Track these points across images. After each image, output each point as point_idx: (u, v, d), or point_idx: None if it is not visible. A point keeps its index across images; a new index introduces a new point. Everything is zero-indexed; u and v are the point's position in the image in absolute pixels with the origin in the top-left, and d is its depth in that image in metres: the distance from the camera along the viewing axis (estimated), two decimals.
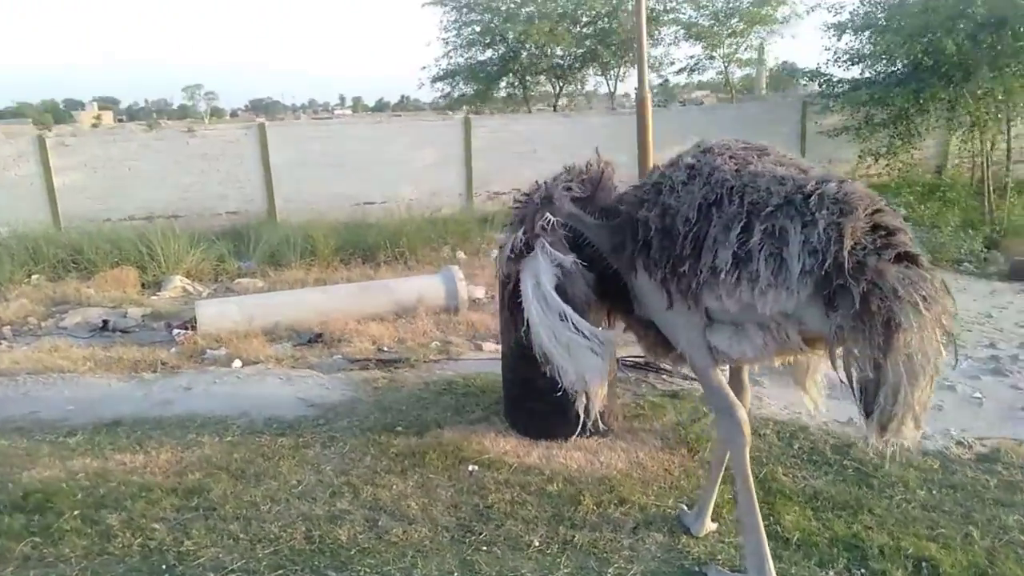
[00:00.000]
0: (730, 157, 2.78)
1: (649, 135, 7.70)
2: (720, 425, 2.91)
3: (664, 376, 5.44)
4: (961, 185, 11.75)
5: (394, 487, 3.95)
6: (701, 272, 2.62)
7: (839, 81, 12.31)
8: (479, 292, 8.89)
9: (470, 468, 4.13)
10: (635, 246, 2.89)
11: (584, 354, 2.99)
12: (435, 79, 18.96)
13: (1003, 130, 10.69)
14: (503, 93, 18.97)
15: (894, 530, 3.39)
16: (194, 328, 7.36)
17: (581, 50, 17.73)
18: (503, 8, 17.58)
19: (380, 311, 7.91)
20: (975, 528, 3.37)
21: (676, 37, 17.58)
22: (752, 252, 2.48)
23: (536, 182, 3.57)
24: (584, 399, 3.10)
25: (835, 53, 12.19)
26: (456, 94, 19.16)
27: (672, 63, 18.34)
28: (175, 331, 7.49)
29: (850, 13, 12.42)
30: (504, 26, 17.36)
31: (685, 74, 18.17)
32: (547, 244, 3.15)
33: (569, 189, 3.33)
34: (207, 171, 12.55)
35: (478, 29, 18.11)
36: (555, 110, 18.43)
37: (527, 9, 17.37)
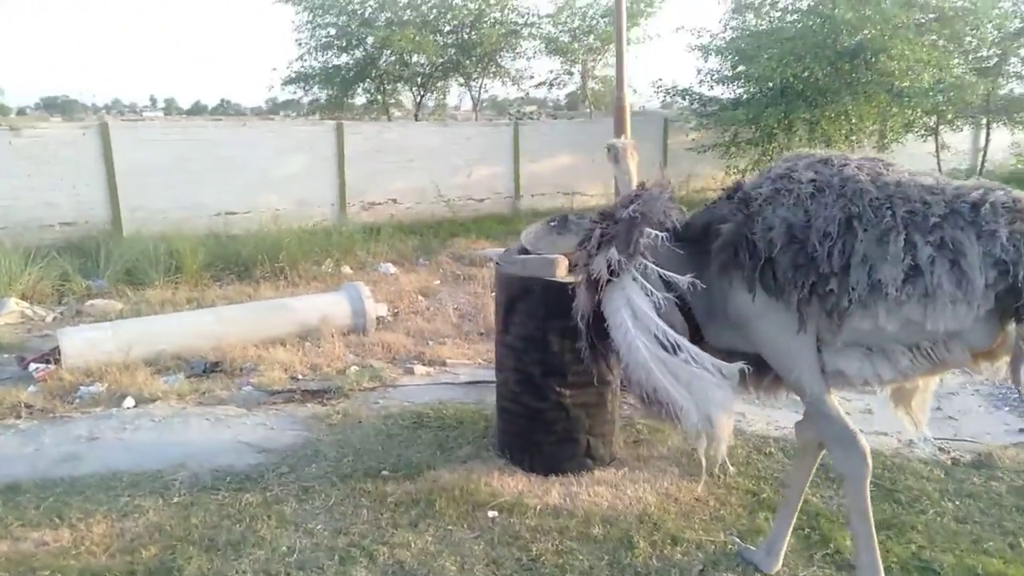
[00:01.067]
0: (856, 167, 2.61)
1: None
2: (839, 456, 2.71)
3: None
4: None
5: (413, 545, 3.40)
6: (854, 290, 2.41)
7: (710, 100, 12.94)
8: (381, 310, 8.30)
9: (490, 515, 3.67)
10: (754, 266, 2.63)
11: (708, 390, 2.67)
12: (287, 82, 17.80)
13: (853, 148, 11.71)
14: (361, 100, 18.19)
15: (948, 547, 3.38)
16: (56, 361, 6.21)
17: (442, 59, 17.40)
18: (360, 12, 16.84)
19: (281, 334, 7.13)
20: (1020, 538, 3.44)
21: (537, 51, 17.77)
22: (923, 267, 2.32)
23: (624, 198, 3.20)
24: (704, 440, 2.77)
25: (707, 74, 12.81)
26: (309, 99, 18.11)
27: (532, 76, 18.52)
28: (32, 366, 6.27)
29: (710, 36, 13.11)
30: (362, 31, 16.65)
31: (546, 88, 18.40)
32: (649, 266, 2.80)
33: (672, 202, 2.99)
34: (35, 175, 10.82)
35: (333, 32, 17.24)
36: (416, 119, 17.94)
37: (386, 14, 16.78)
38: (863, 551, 2.75)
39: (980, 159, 14.73)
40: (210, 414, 5.13)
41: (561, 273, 3.87)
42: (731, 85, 12.57)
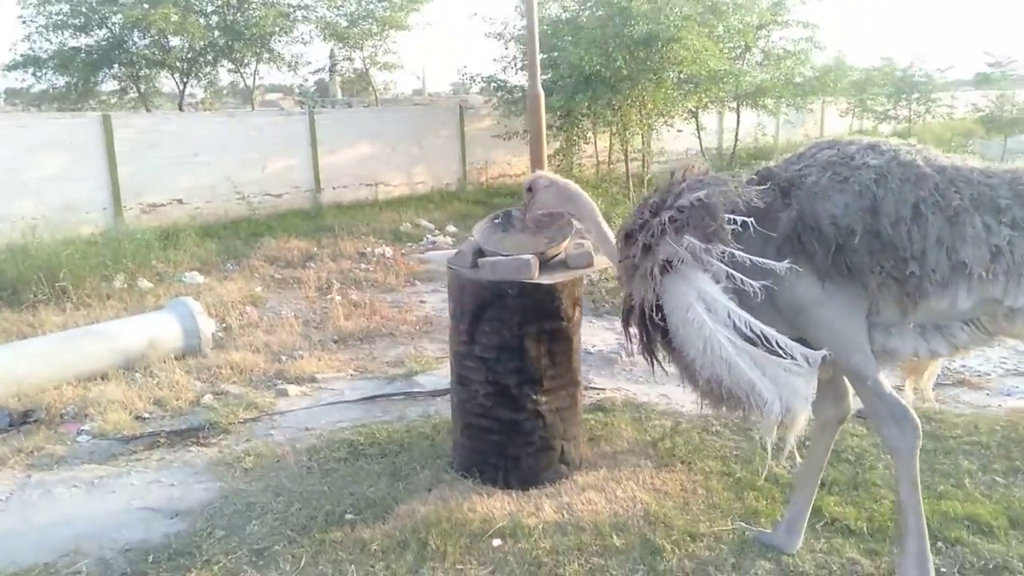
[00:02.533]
0: (909, 152, 2.68)
1: (543, 129, 7.14)
2: (893, 433, 2.79)
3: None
4: (613, 180, 13.52)
5: None
6: (935, 272, 2.49)
7: (516, 87, 13.08)
8: (212, 326, 7.34)
9: (494, 543, 3.34)
10: (826, 253, 2.60)
11: (793, 381, 2.60)
12: (11, 67, 14.99)
13: (643, 132, 12.55)
14: (111, 87, 15.87)
15: (1009, 502, 3.62)
16: None
17: (203, 42, 15.71)
18: None
19: (101, 367, 6.05)
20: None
21: (311, 35, 16.75)
22: (1002, 247, 2.46)
23: (680, 178, 2.95)
24: (774, 431, 2.69)
25: (511, 60, 12.90)
26: (44, 86, 15.42)
27: (309, 63, 17.45)
28: None
29: (502, 23, 13.27)
30: (103, 9, 14.51)
31: (325, 73, 17.40)
32: (737, 254, 2.63)
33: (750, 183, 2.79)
34: None
35: (67, 9, 14.80)
36: (181, 109, 16.07)
37: None
38: (913, 517, 2.86)
39: (734, 138, 16.58)
40: (71, 479, 4.15)
41: (536, 274, 3.61)
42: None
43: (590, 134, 13.27)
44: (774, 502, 3.68)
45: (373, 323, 7.55)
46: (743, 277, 2.60)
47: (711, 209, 2.69)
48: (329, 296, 8.56)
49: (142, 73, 15.84)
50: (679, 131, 14.67)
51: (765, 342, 2.60)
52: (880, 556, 3.23)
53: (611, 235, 3.63)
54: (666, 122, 13.44)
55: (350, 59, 17.39)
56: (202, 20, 15.15)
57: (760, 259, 2.61)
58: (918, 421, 2.79)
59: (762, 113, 16.47)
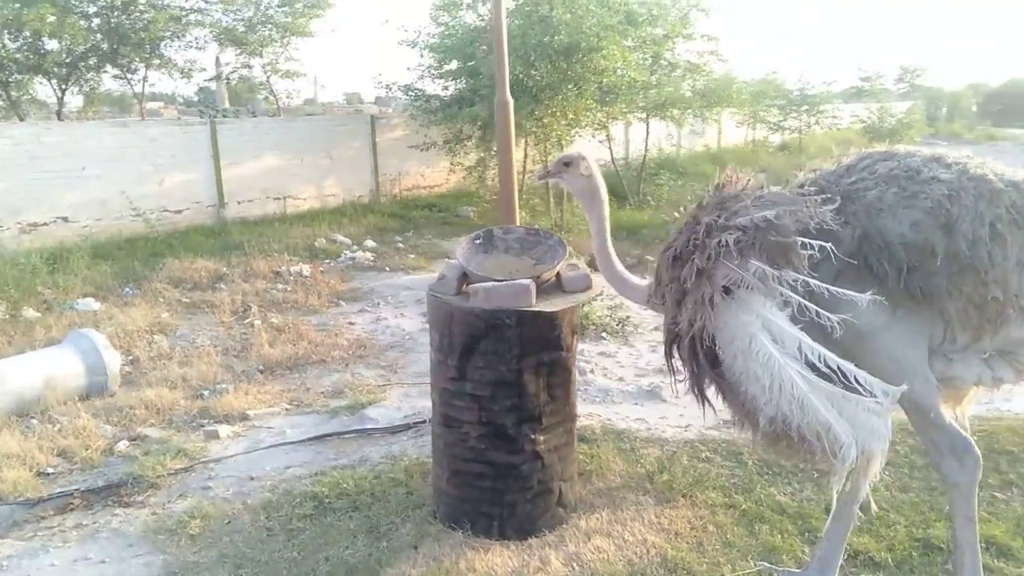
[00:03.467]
0: (977, 166, 2.48)
1: (511, 139, 6.59)
2: (952, 466, 2.59)
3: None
4: (533, 191, 13.33)
5: None
6: (1017, 297, 2.30)
7: (434, 97, 12.62)
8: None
9: None
10: (897, 275, 2.37)
11: (873, 422, 2.33)
12: None
13: (564, 142, 12.36)
14: None
15: (1018, 520, 3.52)
16: None
17: (84, 46, 14.39)
18: None
19: None
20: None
21: (206, 40, 15.69)
22: None
23: (733, 193, 2.63)
24: (845, 477, 2.42)
25: (427, 69, 12.44)
26: None
27: (204, 69, 16.31)
28: None
29: (415, 32, 12.82)
30: None
31: (212, 82, 16.30)
32: (813, 283, 2.34)
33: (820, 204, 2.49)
34: None
35: None
36: (59, 118, 14.63)
37: None
38: (969, 554, 2.69)
39: (644, 149, 16.70)
40: None
41: (534, 301, 3.25)
42: (454, 81, 12.40)
43: (515, 145, 13.01)
44: (788, 535, 3.46)
45: (301, 349, 6.96)
46: (818, 310, 2.31)
47: (782, 231, 2.40)
48: (247, 321, 7.86)
49: (13, 79, 14.33)
50: (600, 141, 14.64)
51: (842, 378, 2.32)
52: None
53: (612, 251, 3.32)
54: (578, 133, 13.36)
55: (248, 66, 16.39)
56: (83, 22, 13.85)
57: (839, 289, 2.33)
58: (979, 453, 2.61)
59: (670, 124, 16.70)
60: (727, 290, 2.43)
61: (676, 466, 4.08)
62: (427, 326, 8.21)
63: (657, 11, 13.44)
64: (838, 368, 2.31)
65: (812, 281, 2.34)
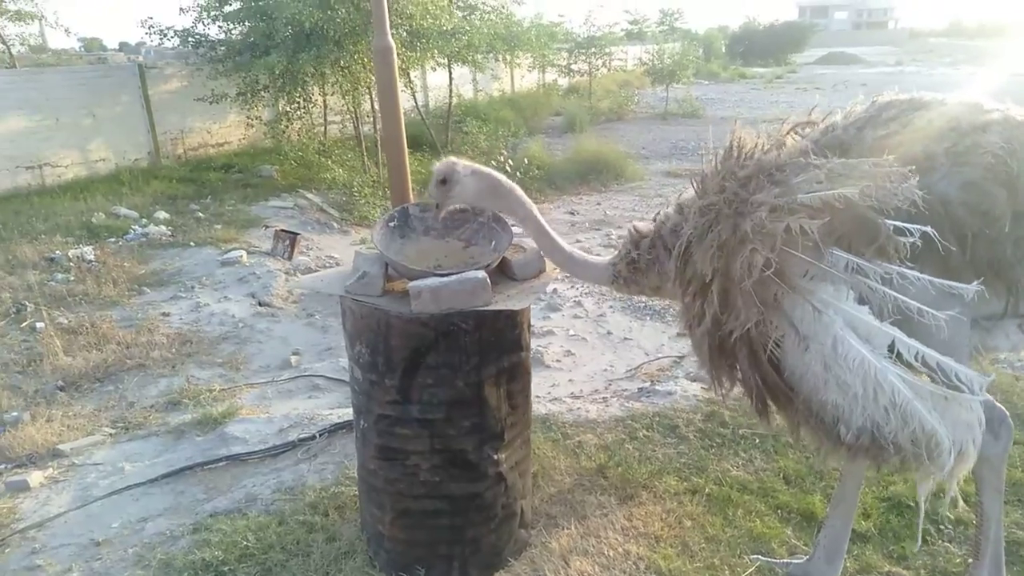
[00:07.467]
0: (1017, 112, 2.20)
1: (396, 91, 5.32)
2: (987, 439, 2.37)
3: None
4: (344, 145, 12.16)
5: None
6: None
7: (219, 42, 10.91)
8: None
9: None
10: (962, 245, 2.05)
11: (971, 421, 2.00)
12: None
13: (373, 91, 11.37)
14: None
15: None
16: None
17: None
18: None
19: None
20: None
21: None
22: None
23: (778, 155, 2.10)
24: (937, 478, 2.09)
25: (204, 10, 10.69)
26: None
27: None
28: None
29: None
30: None
31: None
32: (909, 274, 1.94)
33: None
34: None
35: None
36: None
37: None
38: (995, 526, 2.55)
39: (448, 95, 16.04)
40: None
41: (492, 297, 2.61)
42: (240, 24, 10.77)
43: (316, 97, 11.72)
44: (763, 516, 3.22)
45: (109, 354, 5.74)
46: (920, 307, 1.93)
47: (869, 212, 1.97)
48: (25, 324, 6.34)
49: None
50: (401, 90, 13.72)
51: (943, 375, 1.98)
52: (910, 559, 2.93)
53: (553, 233, 2.80)
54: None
55: None
56: None
57: (947, 282, 1.96)
58: (1012, 424, 2.44)
59: (473, 69, 16.15)
60: (795, 285, 1.99)
61: (623, 453, 3.70)
62: (259, 309, 7.35)
63: None
64: (937, 365, 1.97)
65: (910, 274, 1.95)
